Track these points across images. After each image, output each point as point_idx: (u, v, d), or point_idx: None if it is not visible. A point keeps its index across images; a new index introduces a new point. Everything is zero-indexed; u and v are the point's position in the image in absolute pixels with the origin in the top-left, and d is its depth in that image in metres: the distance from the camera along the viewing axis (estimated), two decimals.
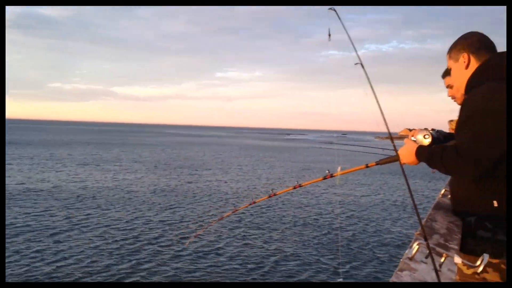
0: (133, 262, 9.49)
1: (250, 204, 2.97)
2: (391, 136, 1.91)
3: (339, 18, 1.99)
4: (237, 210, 3.22)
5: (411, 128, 1.98)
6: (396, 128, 1.96)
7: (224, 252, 10.56)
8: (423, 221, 1.66)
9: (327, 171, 2.42)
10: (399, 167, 1.57)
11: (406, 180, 1.46)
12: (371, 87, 1.87)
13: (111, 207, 15.14)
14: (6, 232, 11.20)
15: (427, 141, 1.82)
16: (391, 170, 30.23)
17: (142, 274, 8.82)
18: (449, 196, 2.21)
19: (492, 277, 1.61)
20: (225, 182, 22.83)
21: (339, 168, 2.62)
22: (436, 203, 2.14)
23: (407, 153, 1.86)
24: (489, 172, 1.64)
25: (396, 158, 1.89)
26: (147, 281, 8.48)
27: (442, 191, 2.45)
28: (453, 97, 2.47)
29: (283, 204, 17.85)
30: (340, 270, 9.61)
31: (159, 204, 16.14)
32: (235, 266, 9.73)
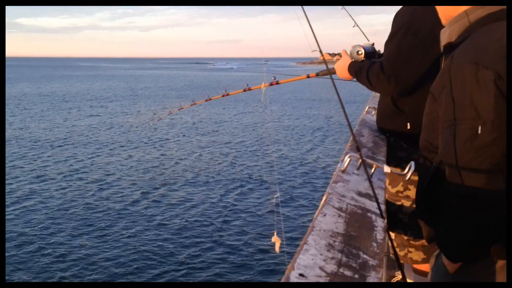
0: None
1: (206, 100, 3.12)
2: (324, 58, 1.86)
3: None
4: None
5: (331, 52, 1.94)
6: (315, 53, 1.91)
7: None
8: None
9: (273, 80, 2.37)
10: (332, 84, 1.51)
11: (337, 92, 1.38)
12: (303, 8, 1.68)
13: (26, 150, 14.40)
14: None
15: (360, 56, 1.82)
16: (322, 89, 31.06)
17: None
18: (373, 113, 2.40)
19: (413, 193, 1.73)
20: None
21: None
22: (361, 119, 2.29)
23: (341, 67, 1.86)
24: (407, 93, 1.71)
25: (333, 71, 1.90)
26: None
27: (366, 109, 2.63)
28: None
29: (215, 149, 17.98)
30: (277, 187, 10.14)
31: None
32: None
